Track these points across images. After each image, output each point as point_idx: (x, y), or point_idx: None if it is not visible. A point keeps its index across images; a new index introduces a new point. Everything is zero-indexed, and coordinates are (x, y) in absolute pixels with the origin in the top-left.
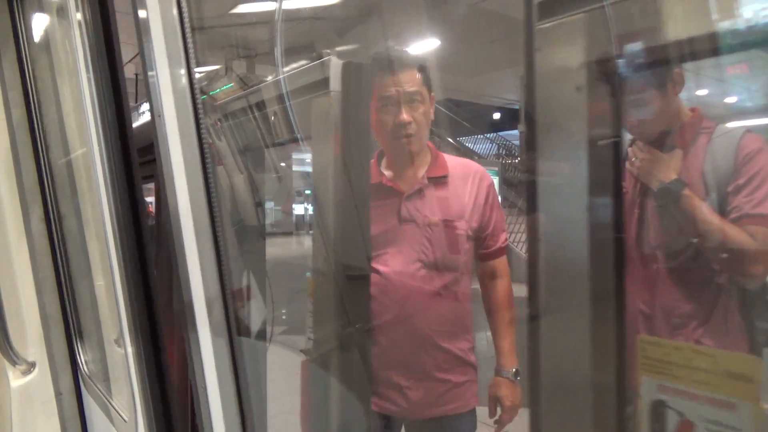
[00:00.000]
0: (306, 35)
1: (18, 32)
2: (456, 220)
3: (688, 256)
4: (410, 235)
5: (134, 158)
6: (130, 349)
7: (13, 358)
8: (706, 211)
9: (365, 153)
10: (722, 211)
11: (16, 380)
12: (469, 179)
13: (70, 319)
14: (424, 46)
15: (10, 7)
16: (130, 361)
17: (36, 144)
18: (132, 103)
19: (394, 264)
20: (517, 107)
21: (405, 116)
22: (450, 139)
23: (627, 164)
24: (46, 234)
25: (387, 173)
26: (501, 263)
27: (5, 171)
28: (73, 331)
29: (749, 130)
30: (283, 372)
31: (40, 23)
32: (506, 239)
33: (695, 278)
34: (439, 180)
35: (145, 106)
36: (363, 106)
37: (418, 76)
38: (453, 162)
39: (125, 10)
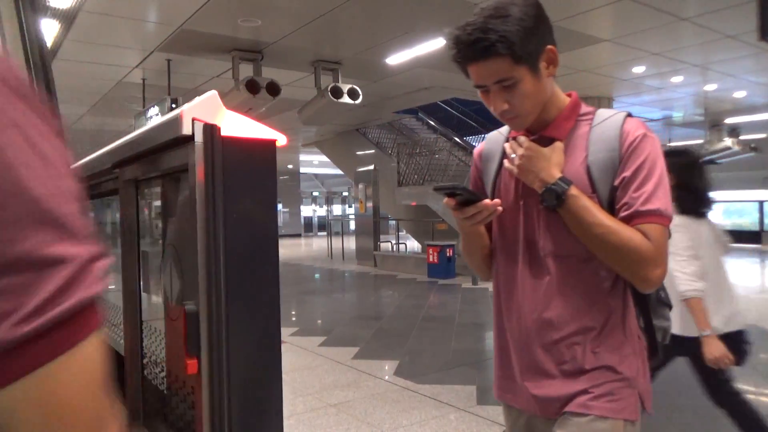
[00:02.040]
0: None
1: (25, 35)
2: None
3: (580, 260)
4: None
5: None
6: None
7: None
8: (596, 212)
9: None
10: (611, 207)
11: None
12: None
13: None
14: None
15: (17, 9)
16: None
17: None
18: (139, 108)
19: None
20: None
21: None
22: (456, 138)
23: (505, 162)
24: None
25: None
26: None
27: None
28: None
29: (630, 114)
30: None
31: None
32: None
33: (588, 285)
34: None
35: (153, 110)
36: (216, 151)
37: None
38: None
39: (128, 15)
